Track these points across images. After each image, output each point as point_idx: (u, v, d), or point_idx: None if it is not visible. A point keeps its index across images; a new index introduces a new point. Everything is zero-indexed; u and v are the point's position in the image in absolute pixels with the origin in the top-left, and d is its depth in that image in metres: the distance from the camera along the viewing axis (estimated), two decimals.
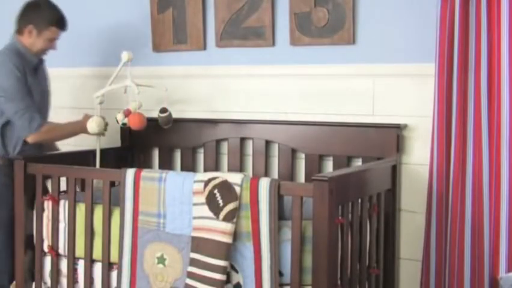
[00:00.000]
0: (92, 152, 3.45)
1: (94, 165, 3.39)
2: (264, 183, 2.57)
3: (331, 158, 3.29)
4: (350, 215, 2.69)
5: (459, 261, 2.89)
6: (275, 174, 3.41)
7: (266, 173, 3.42)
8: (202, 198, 2.65)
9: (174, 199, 2.74)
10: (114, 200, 2.97)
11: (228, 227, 2.59)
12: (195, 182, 2.69)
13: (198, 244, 2.65)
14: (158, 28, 3.70)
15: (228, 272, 2.64)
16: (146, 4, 3.73)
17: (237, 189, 2.59)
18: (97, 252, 3.00)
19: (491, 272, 2.85)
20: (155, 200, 2.77)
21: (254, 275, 2.59)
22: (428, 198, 2.98)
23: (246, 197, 2.59)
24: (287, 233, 2.61)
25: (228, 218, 2.59)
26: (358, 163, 3.22)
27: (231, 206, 2.59)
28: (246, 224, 2.60)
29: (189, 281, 2.67)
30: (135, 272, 2.82)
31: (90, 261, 3.02)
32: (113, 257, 2.95)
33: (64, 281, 3.10)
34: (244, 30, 3.47)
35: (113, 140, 3.69)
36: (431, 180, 2.97)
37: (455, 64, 2.88)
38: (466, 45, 2.87)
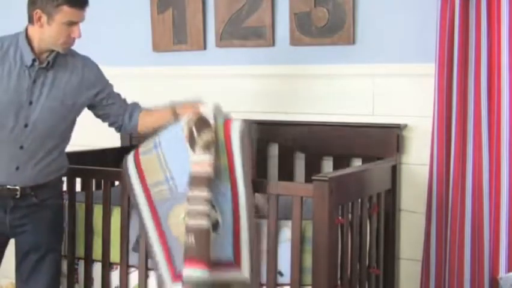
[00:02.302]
0: (92, 152, 3.45)
1: (94, 165, 3.39)
2: (236, 126, 2.58)
3: (331, 158, 3.29)
4: (350, 215, 2.69)
5: (459, 261, 2.89)
6: (275, 174, 3.41)
7: (266, 173, 3.42)
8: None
9: (171, 152, 2.69)
10: (114, 200, 2.97)
11: (206, 157, 2.56)
12: (181, 129, 2.66)
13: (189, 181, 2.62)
14: (158, 28, 3.70)
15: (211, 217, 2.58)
16: (146, 4, 3.73)
17: (212, 122, 2.59)
18: (97, 252, 3.00)
19: (491, 272, 2.85)
20: (158, 166, 2.73)
21: (232, 212, 2.58)
22: (428, 198, 2.98)
23: (220, 132, 2.58)
24: (287, 233, 2.61)
25: (205, 148, 2.56)
26: (358, 163, 3.22)
27: (207, 136, 2.56)
28: (223, 159, 2.58)
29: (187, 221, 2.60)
30: (166, 244, 2.74)
31: (90, 261, 3.02)
32: (114, 257, 2.95)
33: (64, 281, 3.10)
34: (244, 30, 3.47)
35: (113, 140, 3.69)
36: (431, 180, 2.97)
37: (455, 64, 2.88)
38: (466, 45, 2.87)
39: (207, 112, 2.62)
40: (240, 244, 2.60)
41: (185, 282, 2.53)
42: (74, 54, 2.81)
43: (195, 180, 2.56)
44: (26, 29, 2.68)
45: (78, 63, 2.78)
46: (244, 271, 2.60)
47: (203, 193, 2.55)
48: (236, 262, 2.60)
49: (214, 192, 2.59)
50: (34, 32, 2.65)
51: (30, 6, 2.63)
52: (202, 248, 2.50)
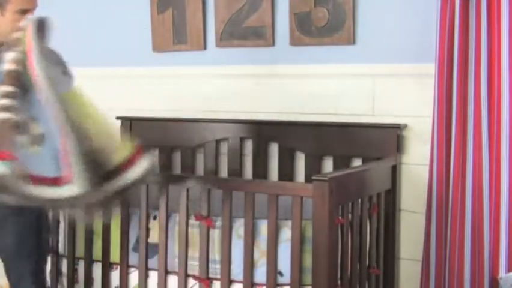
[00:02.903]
0: None
1: None
2: (30, 27, 2.44)
3: (331, 158, 3.29)
4: (350, 215, 2.70)
5: (459, 261, 2.89)
6: (275, 174, 3.41)
7: (266, 173, 3.42)
8: None
9: None
10: None
11: (11, 54, 2.43)
12: None
13: None
14: (158, 28, 3.70)
15: (28, 126, 2.43)
16: (146, 4, 3.73)
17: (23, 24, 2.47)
18: (97, 252, 3.00)
19: (491, 272, 2.85)
20: None
21: (54, 124, 2.45)
22: (428, 198, 2.98)
23: (23, 37, 2.44)
24: (287, 233, 2.61)
25: (10, 46, 2.45)
26: (358, 163, 3.22)
27: (15, 35, 2.46)
28: (27, 66, 2.43)
29: None
30: None
31: (90, 261, 3.02)
32: (114, 257, 2.95)
33: (64, 281, 3.10)
34: (244, 30, 3.48)
35: None
36: (431, 180, 2.97)
37: (455, 64, 2.88)
38: (466, 45, 2.87)
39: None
40: (69, 156, 2.43)
41: None
42: None
43: (2, 78, 2.43)
44: None
45: None
46: (75, 187, 2.40)
47: (3, 88, 2.39)
48: (65, 177, 2.42)
49: (32, 102, 2.44)
50: None
51: None
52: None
